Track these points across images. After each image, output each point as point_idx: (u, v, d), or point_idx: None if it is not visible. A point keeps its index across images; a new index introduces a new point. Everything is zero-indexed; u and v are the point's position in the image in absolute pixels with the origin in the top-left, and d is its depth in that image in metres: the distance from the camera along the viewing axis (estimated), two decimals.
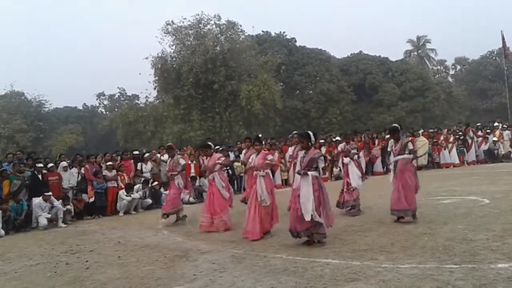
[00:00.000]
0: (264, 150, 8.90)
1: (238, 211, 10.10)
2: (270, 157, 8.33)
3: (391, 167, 8.62)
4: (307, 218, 6.65)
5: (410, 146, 8.45)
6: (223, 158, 9.41)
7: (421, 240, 6.59)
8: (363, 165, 10.78)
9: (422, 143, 19.31)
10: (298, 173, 7.12)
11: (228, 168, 15.39)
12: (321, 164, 7.00)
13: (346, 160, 9.85)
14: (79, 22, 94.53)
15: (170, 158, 10.77)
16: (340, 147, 10.48)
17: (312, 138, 7.18)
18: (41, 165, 12.35)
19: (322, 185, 6.98)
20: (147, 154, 15.59)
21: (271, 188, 8.06)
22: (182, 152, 15.27)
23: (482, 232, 6.72)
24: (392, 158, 8.55)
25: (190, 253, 7.02)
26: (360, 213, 9.49)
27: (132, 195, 13.12)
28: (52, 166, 12.76)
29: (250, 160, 8.57)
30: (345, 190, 9.66)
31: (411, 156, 8.32)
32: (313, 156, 6.98)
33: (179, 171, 10.36)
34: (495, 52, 45.85)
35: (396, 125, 8.81)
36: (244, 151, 12.00)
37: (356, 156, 9.88)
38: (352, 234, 7.49)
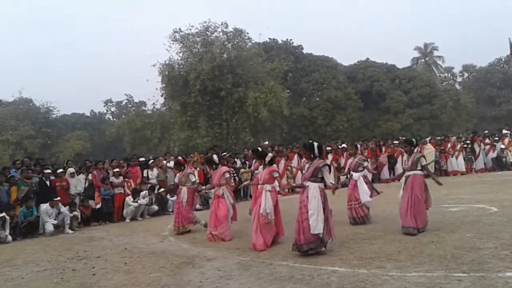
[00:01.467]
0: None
1: (246, 218, 10.11)
2: (275, 174, 8.21)
3: (402, 180, 8.50)
4: (317, 231, 6.59)
5: (423, 161, 8.27)
6: (228, 175, 9.23)
7: (428, 248, 6.55)
8: (369, 176, 10.66)
9: (429, 151, 19.24)
10: (300, 186, 7.12)
11: (234, 175, 15.40)
12: (326, 174, 6.95)
13: (356, 176, 9.61)
14: (85, 29, 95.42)
15: (180, 172, 10.72)
16: (350, 161, 10.23)
17: (316, 150, 7.06)
18: (49, 171, 12.44)
19: (326, 197, 6.92)
20: (152, 161, 15.63)
21: (276, 202, 7.97)
22: (189, 159, 15.28)
23: (491, 240, 6.66)
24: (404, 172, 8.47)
25: (196, 260, 7.02)
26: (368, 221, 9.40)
27: (138, 201, 13.16)
28: (61, 172, 12.83)
29: (258, 170, 8.51)
30: (355, 205, 9.40)
31: (423, 173, 8.23)
32: (317, 165, 6.93)
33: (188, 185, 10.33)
34: (503, 60, 45.62)
35: (410, 138, 8.75)
36: (254, 161, 11.94)
37: (365, 171, 9.76)
38: (358, 242, 7.45)
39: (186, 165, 11.00)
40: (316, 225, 6.60)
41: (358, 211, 9.32)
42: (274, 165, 8.58)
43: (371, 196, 9.54)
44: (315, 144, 7.18)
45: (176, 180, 10.97)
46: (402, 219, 7.97)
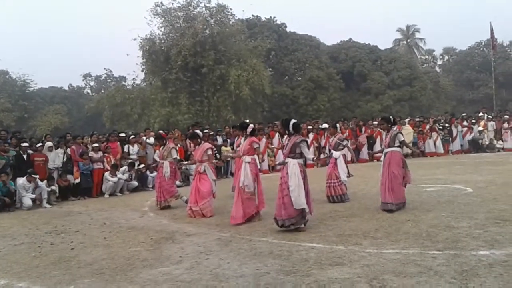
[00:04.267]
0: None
1: (227, 195, 10.15)
2: (255, 144, 8.24)
3: (382, 158, 8.61)
4: (299, 207, 6.68)
5: (401, 137, 8.34)
6: (210, 151, 9.19)
7: (405, 226, 6.69)
8: (349, 157, 10.77)
9: (407, 132, 19.53)
10: (281, 163, 7.16)
11: (216, 152, 15.36)
12: (304, 149, 6.95)
13: (336, 154, 9.64)
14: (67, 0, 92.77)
15: (162, 147, 10.66)
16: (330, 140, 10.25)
17: (290, 127, 7.07)
18: (26, 144, 12.18)
19: (305, 173, 6.96)
20: (132, 137, 15.48)
21: (256, 174, 8.00)
22: (171, 135, 15.18)
23: (465, 220, 6.84)
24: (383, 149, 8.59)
25: (176, 236, 7.04)
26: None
27: (118, 175, 13.06)
28: (40, 146, 12.62)
29: (239, 148, 8.51)
30: (335, 183, 9.42)
31: (400, 149, 8.31)
32: (295, 141, 6.94)
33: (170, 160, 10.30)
34: (483, 43, 46.23)
35: (387, 115, 8.81)
36: (236, 138, 11.91)
37: (345, 149, 9.82)
38: (337, 219, 7.56)
39: (167, 140, 10.96)
40: (299, 200, 6.68)
41: (337, 189, 9.38)
42: (254, 137, 8.56)
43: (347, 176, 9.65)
44: (292, 121, 7.17)
45: (157, 156, 10.92)
46: (381, 196, 8.12)
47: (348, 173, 9.75)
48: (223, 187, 10.96)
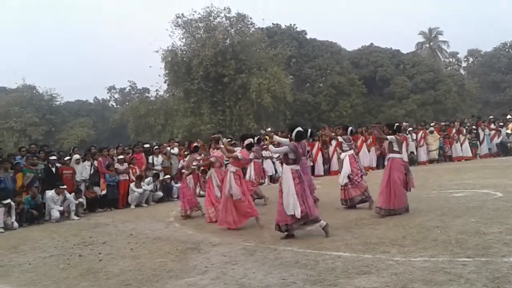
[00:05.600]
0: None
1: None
2: (239, 156, 8.44)
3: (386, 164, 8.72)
4: (289, 212, 6.77)
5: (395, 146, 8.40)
6: (213, 159, 9.55)
7: (433, 233, 6.56)
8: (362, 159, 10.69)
9: (434, 139, 19.41)
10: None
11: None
12: (291, 154, 6.98)
13: (342, 155, 9.71)
14: (90, 14, 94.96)
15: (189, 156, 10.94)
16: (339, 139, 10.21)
17: (293, 135, 7.11)
18: (54, 157, 12.46)
19: (301, 178, 7.00)
20: (156, 148, 15.65)
21: (240, 183, 8.29)
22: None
23: (495, 225, 6.66)
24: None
25: (201, 246, 7.07)
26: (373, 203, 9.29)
27: (143, 187, 13.20)
28: (68, 159, 12.90)
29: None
30: (349, 185, 9.42)
31: (400, 155, 8.42)
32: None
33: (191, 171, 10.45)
34: (508, 44, 45.25)
35: (393, 123, 8.90)
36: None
37: (352, 151, 9.75)
38: (362, 227, 7.47)
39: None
40: (289, 206, 6.76)
41: (351, 191, 9.35)
42: (247, 151, 8.86)
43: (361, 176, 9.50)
44: (297, 128, 7.18)
45: (185, 164, 11.15)
46: (378, 200, 8.24)
47: (362, 170, 9.68)
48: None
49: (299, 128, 7.21)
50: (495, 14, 73.40)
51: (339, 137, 10.07)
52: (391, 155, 8.38)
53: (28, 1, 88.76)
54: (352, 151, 9.76)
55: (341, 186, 9.55)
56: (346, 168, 9.50)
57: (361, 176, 9.45)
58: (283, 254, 6.07)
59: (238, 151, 8.59)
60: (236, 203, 8.13)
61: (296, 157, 7.04)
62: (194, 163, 10.44)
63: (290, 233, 6.99)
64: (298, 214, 6.73)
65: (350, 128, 10.34)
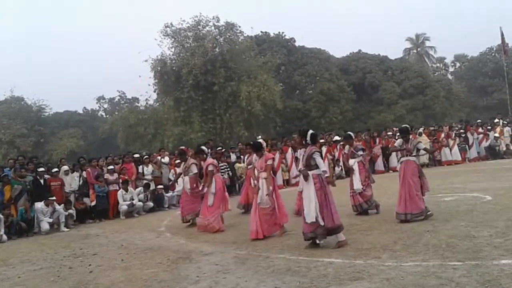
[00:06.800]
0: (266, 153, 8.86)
1: (239, 212, 10.13)
2: (269, 161, 8.31)
3: (398, 167, 8.59)
4: (309, 220, 6.59)
5: (421, 146, 8.49)
6: (211, 167, 9.28)
7: (423, 237, 6.59)
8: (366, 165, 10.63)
9: (424, 142, 19.40)
10: (299, 171, 7.10)
11: (228, 170, 15.42)
12: (318, 159, 6.79)
13: (351, 162, 9.58)
14: (78, 24, 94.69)
15: (183, 163, 10.79)
16: (346, 148, 10.19)
17: (308, 137, 6.98)
18: (42, 169, 12.35)
19: (324, 183, 6.77)
20: (146, 157, 15.55)
21: (274, 188, 8.11)
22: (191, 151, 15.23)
23: (485, 228, 6.71)
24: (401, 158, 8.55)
25: (193, 255, 7.02)
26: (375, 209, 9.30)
27: (133, 197, 13.04)
28: (56, 172, 12.77)
29: (250, 165, 8.64)
30: (353, 192, 9.37)
31: (415, 158, 8.35)
32: (309, 153, 6.85)
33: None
34: (494, 49, 45.75)
35: (407, 126, 8.88)
36: (247, 156, 12.00)
37: (361, 157, 9.72)
38: (354, 233, 7.48)
39: (188, 155, 11.10)
40: (309, 213, 6.60)
41: (359, 198, 9.28)
42: (270, 154, 8.75)
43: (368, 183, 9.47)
44: (310, 131, 7.08)
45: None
46: (397, 206, 8.09)
47: (371, 178, 9.66)
48: (235, 204, 10.95)
49: (312, 131, 7.12)
50: (481, 19, 74.35)
51: (350, 148, 9.84)
52: (407, 158, 8.31)
53: (20, 8, 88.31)
54: (361, 158, 9.66)
55: (350, 192, 9.48)
56: (358, 176, 9.39)
57: (368, 184, 9.41)
58: (275, 262, 6.05)
59: (261, 159, 8.33)
60: (262, 215, 7.88)
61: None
62: (194, 170, 10.33)
63: (313, 241, 6.75)
64: (321, 222, 6.56)
65: (351, 134, 10.37)
